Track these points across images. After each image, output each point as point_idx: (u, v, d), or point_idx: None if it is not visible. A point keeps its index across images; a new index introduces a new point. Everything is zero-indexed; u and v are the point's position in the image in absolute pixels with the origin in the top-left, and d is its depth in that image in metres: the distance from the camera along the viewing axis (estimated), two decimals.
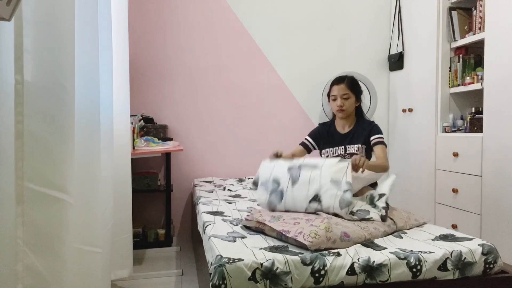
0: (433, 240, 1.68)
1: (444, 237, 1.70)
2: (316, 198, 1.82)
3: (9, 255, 1.12)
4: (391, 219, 1.83)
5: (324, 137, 2.50)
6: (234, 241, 1.60)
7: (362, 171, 1.96)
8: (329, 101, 2.53)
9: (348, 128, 2.47)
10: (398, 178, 3.52)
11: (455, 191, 2.83)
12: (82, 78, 1.46)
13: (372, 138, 2.36)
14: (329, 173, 1.87)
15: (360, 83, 2.55)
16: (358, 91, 2.47)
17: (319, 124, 2.63)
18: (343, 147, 2.44)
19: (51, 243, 1.25)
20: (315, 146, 2.51)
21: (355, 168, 1.92)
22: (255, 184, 2.10)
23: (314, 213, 1.82)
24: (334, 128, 2.51)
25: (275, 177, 1.98)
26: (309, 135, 2.55)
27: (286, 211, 1.90)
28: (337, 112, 2.43)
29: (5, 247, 1.10)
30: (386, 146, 2.39)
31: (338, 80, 2.48)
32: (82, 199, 1.46)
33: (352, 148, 2.42)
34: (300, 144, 2.52)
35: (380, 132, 2.39)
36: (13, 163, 1.14)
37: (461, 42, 2.95)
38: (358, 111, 2.51)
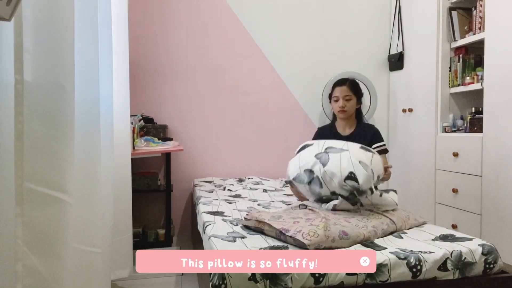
0: (433, 240, 1.68)
1: (444, 237, 1.70)
2: (351, 176, 1.81)
3: (8, 255, 1.12)
4: (390, 218, 1.83)
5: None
6: (234, 241, 1.60)
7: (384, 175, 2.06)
8: (330, 102, 2.56)
9: (349, 130, 2.49)
10: (397, 177, 3.54)
11: (455, 191, 2.83)
12: (82, 78, 1.46)
13: (375, 145, 2.39)
14: (358, 155, 1.88)
15: (360, 83, 2.57)
16: (359, 93, 2.50)
17: (318, 128, 2.66)
18: None
19: (51, 243, 1.25)
20: None
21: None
22: (290, 183, 2.10)
23: (310, 211, 1.82)
24: (335, 129, 2.53)
25: (305, 167, 1.95)
26: None
27: (332, 193, 1.90)
28: (339, 113, 2.46)
29: (5, 247, 1.10)
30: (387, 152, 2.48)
31: (340, 82, 2.50)
32: (82, 199, 1.46)
33: None
34: None
35: (382, 139, 2.47)
36: (13, 163, 1.14)
37: (461, 42, 2.95)
38: (358, 113, 2.54)
